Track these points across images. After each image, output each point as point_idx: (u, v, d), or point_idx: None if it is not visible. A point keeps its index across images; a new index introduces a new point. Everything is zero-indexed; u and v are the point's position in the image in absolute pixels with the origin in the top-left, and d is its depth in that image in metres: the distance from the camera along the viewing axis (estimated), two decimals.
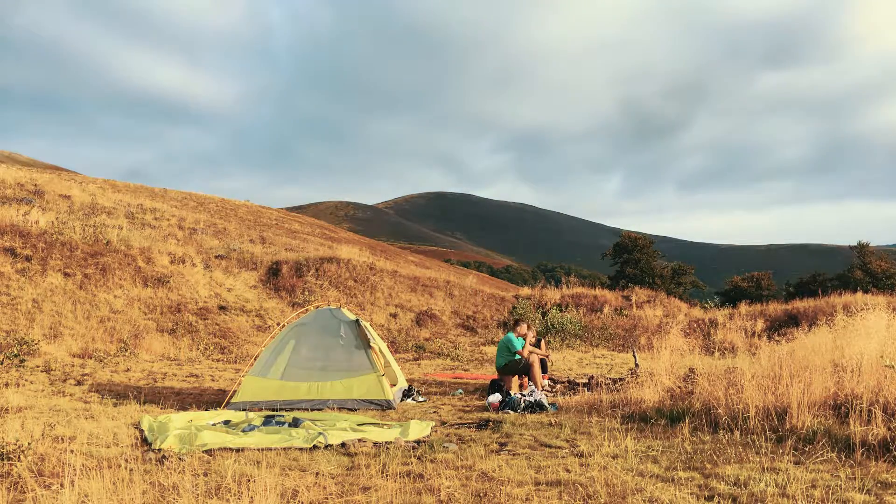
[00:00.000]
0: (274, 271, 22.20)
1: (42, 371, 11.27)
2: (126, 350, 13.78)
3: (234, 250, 23.58)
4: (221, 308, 18.35)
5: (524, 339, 11.32)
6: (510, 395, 9.64)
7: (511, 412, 8.76)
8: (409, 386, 10.74)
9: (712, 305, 29.87)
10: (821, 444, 5.93)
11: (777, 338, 17.87)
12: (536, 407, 8.86)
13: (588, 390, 10.88)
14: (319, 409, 9.06)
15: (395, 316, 21.69)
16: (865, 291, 29.83)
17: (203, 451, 6.29)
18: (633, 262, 48.89)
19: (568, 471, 5.51)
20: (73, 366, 12.01)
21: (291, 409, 8.99)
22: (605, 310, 25.77)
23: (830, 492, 4.71)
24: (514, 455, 6.22)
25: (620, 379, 11.58)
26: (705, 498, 4.74)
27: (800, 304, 25.59)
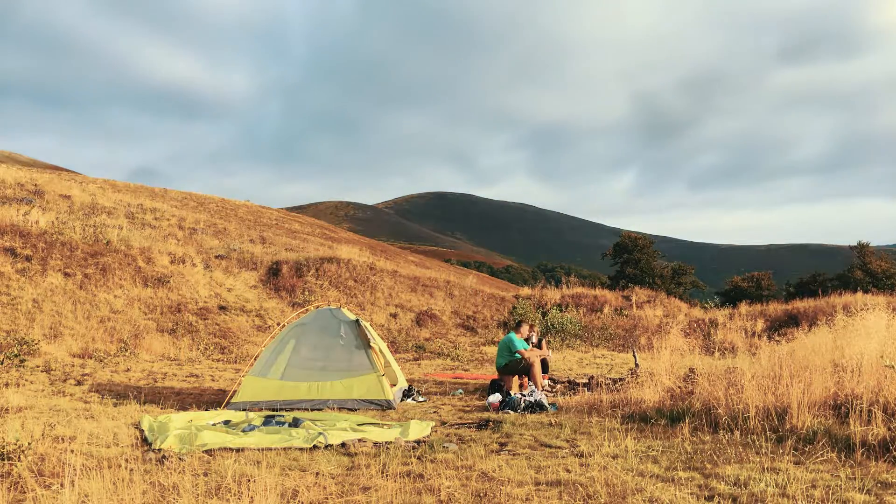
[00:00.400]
0: (274, 271, 22.20)
1: (42, 371, 11.27)
2: (126, 350, 13.78)
3: (234, 250, 23.59)
4: (221, 308, 18.35)
5: (526, 342, 11.33)
6: (510, 395, 9.64)
7: (511, 412, 8.76)
8: (409, 386, 10.74)
9: (712, 305, 29.88)
10: (821, 444, 5.93)
11: (777, 338, 17.87)
12: (536, 407, 8.86)
13: (588, 390, 10.88)
14: (319, 409, 9.06)
15: (395, 316, 21.69)
16: (865, 291, 29.84)
17: (203, 451, 6.30)
18: (633, 262, 48.91)
19: (568, 471, 5.51)
20: (73, 366, 12.01)
21: (291, 409, 8.99)
22: (605, 310, 25.77)
23: (830, 492, 4.71)
24: (514, 455, 6.22)
25: (620, 379, 11.58)
26: (705, 498, 4.74)
27: (800, 304, 25.60)
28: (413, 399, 10.17)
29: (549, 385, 11.57)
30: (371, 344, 9.72)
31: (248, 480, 5.01)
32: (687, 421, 7.20)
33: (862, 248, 44.08)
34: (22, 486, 4.92)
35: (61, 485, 4.84)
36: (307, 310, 10.66)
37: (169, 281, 18.28)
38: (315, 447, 6.56)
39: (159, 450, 6.28)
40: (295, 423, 7.59)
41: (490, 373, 13.89)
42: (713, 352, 15.15)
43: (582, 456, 6.05)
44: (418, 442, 6.84)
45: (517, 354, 10.83)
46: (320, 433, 6.86)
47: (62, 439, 6.32)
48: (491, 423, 7.86)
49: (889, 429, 5.89)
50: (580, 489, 4.95)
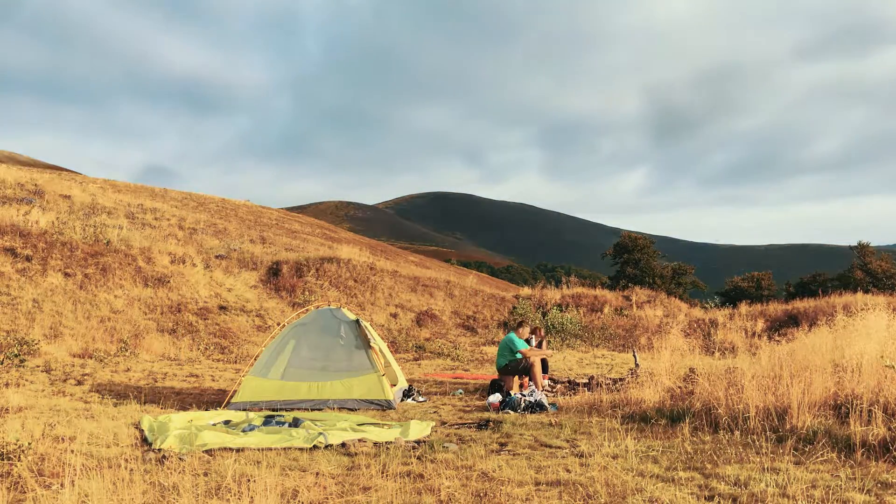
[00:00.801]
0: (274, 271, 22.20)
1: (42, 371, 11.26)
2: (126, 350, 13.77)
3: (235, 250, 23.59)
4: (222, 308, 18.35)
5: (527, 343, 11.33)
6: (510, 395, 9.64)
7: (511, 412, 8.76)
8: (410, 386, 10.74)
9: (712, 305, 29.87)
10: (821, 444, 5.93)
11: (777, 338, 17.87)
12: (537, 407, 8.86)
13: (588, 390, 10.87)
14: (320, 409, 9.06)
15: (395, 316, 21.69)
16: (866, 291, 29.87)
17: (203, 451, 6.29)
18: (633, 262, 48.92)
19: (568, 471, 5.51)
20: (73, 366, 12.00)
21: (292, 409, 8.99)
22: (606, 310, 25.76)
23: (831, 492, 4.71)
24: (514, 455, 6.22)
25: (620, 379, 11.58)
26: (705, 498, 4.74)
27: (800, 305, 25.60)
28: (413, 399, 10.17)
29: (549, 385, 11.57)
30: (371, 344, 9.72)
31: (248, 480, 5.02)
32: (687, 421, 7.20)
33: (862, 248, 44.12)
34: (22, 486, 4.91)
35: (61, 485, 4.84)
36: (307, 310, 10.66)
37: (169, 281, 18.28)
38: (315, 447, 6.56)
39: (159, 450, 6.28)
40: (295, 423, 7.59)
41: (490, 373, 13.89)
42: (713, 352, 15.15)
43: (582, 456, 6.05)
44: (418, 442, 6.84)
45: (518, 354, 10.83)
46: (320, 433, 6.86)
47: (62, 439, 6.32)
48: (491, 423, 7.86)
49: (889, 429, 5.89)
50: (580, 489, 4.95)
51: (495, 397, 9.69)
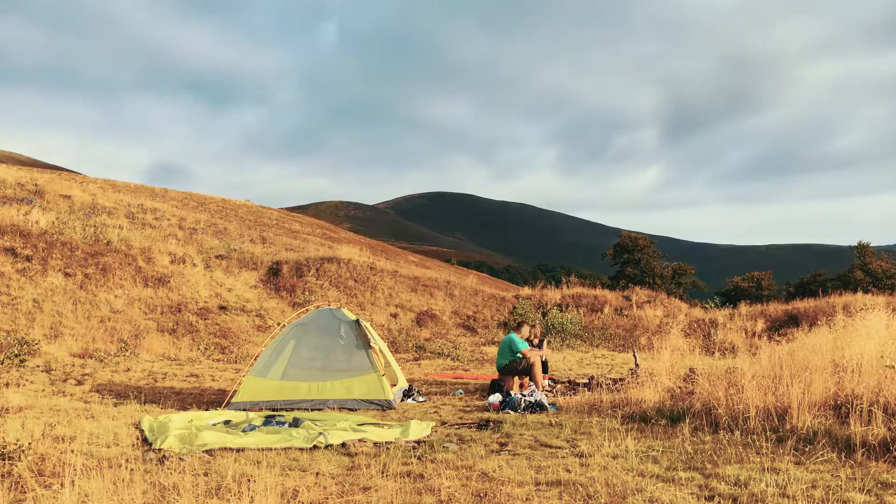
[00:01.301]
0: (274, 271, 22.21)
1: (42, 371, 11.27)
2: (126, 350, 13.78)
3: (235, 250, 23.59)
4: (222, 308, 18.36)
5: (528, 343, 11.33)
6: (510, 395, 9.64)
7: (511, 412, 8.76)
8: (410, 386, 10.74)
9: (713, 306, 29.85)
10: (821, 444, 5.93)
11: (777, 338, 17.88)
12: (537, 407, 8.86)
13: (588, 390, 10.87)
14: (320, 409, 9.06)
15: (395, 316, 21.69)
16: (866, 291, 29.88)
17: (203, 451, 6.30)
18: (633, 262, 48.99)
19: (568, 471, 5.51)
20: (73, 366, 12.01)
21: (292, 409, 8.99)
22: (606, 310, 25.76)
23: (831, 492, 4.71)
24: (514, 455, 6.22)
25: (621, 379, 11.58)
26: (706, 498, 4.74)
27: (800, 305, 25.59)
28: (413, 399, 10.17)
29: (549, 385, 11.57)
30: (371, 344, 9.72)
31: (249, 480, 5.02)
32: (687, 421, 7.20)
33: (862, 249, 44.16)
34: (22, 486, 4.92)
35: (61, 485, 4.84)
36: (307, 310, 10.66)
37: (169, 281, 18.28)
38: (315, 447, 6.56)
39: (159, 450, 6.28)
40: (295, 423, 7.59)
41: (490, 373, 13.89)
42: (713, 352, 15.16)
43: (582, 456, 6.05)
44: (418, 442, 6.84)
45: (518, 354, 10.82)
46: (320, 433, 6.86)
47: (62, 439, 6.33)
48: (491, 424, 7.86)
49: (889, 429, 5.89)
50: (580, 489, 4.95)
51: (495, 397, 9.69)
